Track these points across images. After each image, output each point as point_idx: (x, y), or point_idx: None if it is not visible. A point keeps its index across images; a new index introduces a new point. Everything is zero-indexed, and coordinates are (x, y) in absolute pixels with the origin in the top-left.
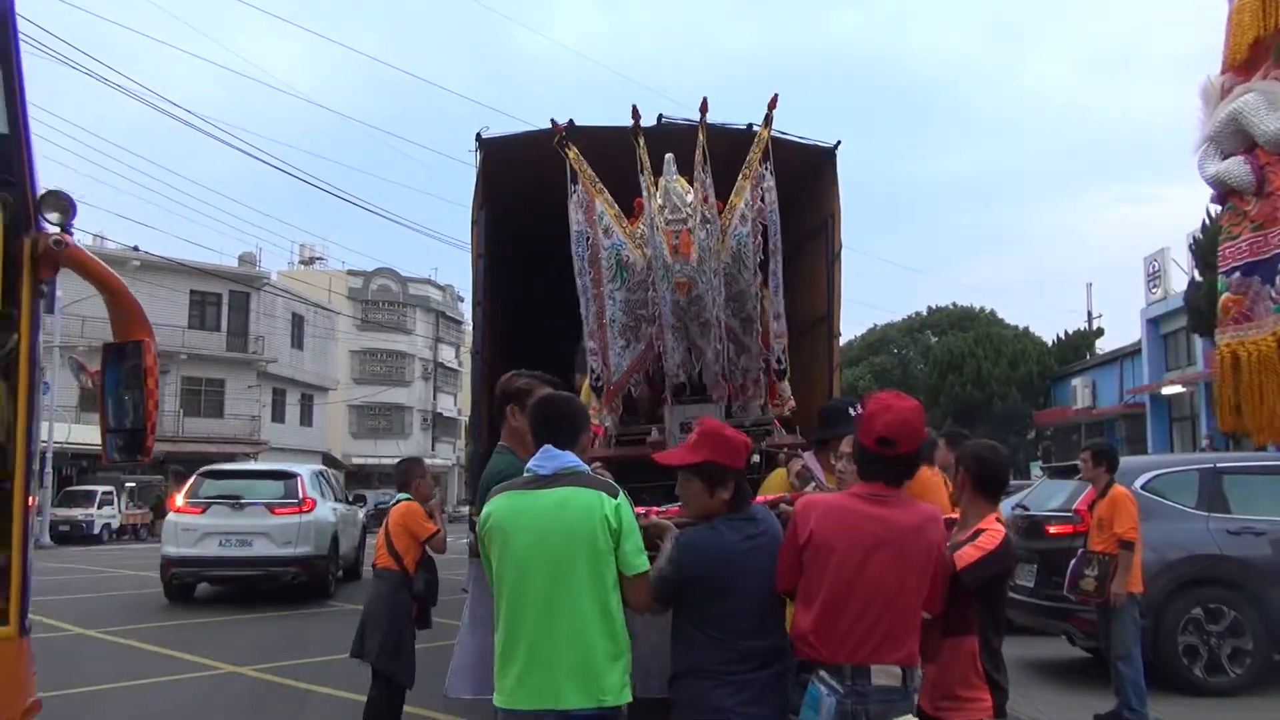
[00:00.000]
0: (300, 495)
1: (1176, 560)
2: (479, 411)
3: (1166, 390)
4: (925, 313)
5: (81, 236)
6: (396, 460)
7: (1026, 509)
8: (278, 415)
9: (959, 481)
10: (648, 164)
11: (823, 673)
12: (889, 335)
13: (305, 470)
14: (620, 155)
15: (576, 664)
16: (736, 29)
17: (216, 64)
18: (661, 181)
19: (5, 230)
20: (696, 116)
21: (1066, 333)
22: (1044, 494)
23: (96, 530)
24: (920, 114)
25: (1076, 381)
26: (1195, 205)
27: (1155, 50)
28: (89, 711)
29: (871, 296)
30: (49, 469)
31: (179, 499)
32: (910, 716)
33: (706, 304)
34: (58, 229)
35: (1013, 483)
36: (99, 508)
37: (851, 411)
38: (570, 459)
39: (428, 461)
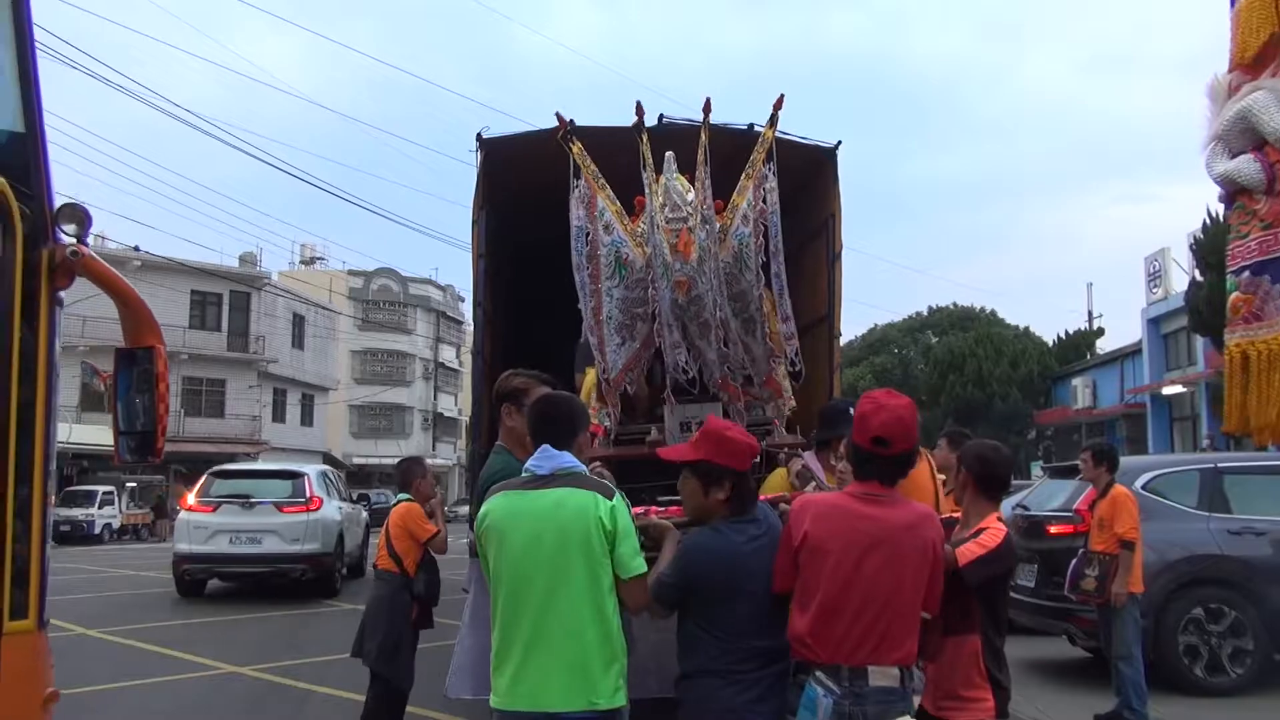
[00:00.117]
0: (308, 494)
1: (1177, 560)
2: (480, 411)
3: (1167, 390)
4: (926, 313)
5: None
6: (397, 460)
7: (1027, 509)
8: (278, 415)
9: (960, 481)
10: (650, 161)
11: (819, 674)
12: (889, 335)
13: (312, 470)
14: (620, 155)
15: (569, 666)
16: (736, 29)
17: (216, 64)
18: (662, 180)
19: (25, 241)
20: (697, 117)
21: (1067, 332)
22: (1044, 494)
23: (97, 530)
24: (920, 113)
25: (1077, 381)
26: (1196, 205)
27: (1155, 50)
28: (89, 711)
29: (872, 296)
30: None
31: (191, 498)
32: (908, 718)
33: (706, 304)
34: (74, 240)
35: (1013, 483)
36: (99, 508)
37: (851, 411)
38: (567, 459)
39: (428, 461)
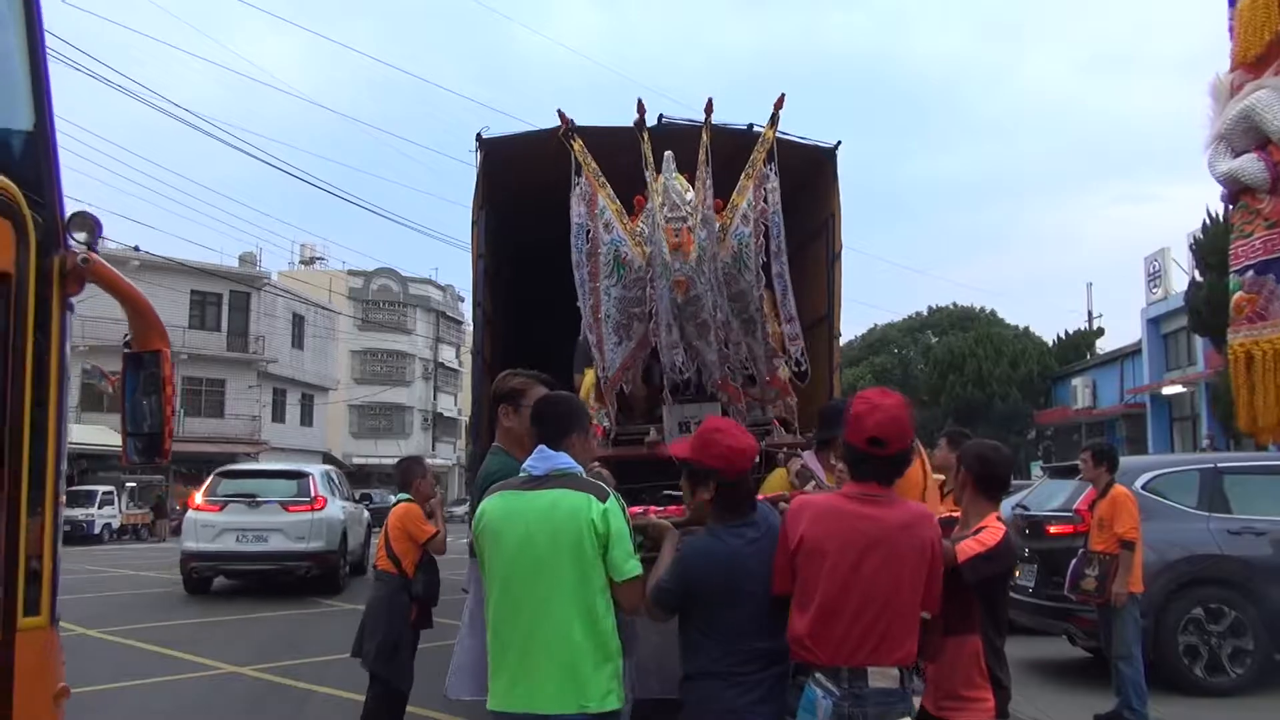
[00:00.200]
0: (313, 493)
1: (1177, 560)
2: (479, 412)
3: (1167, 390)
4: (926, 313)
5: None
6: (396, 460)
7: (1027, 509)
8: (278, 415)
9: (960, 481)
10: (651, 159)
11: (819, 675)
12: (889, 335)
13: (316, 470)
14: (620, 155)
15: (559, 669)
16: (736, 29)
17: (216, 64)
18: (661, 179)
19: (37, 248)
20: (697, 116)
21: (1067, 332)
22: (1044, 494)
23: (97, 530)
24: (920, 113)
25: (1077, 381)
26: (1196, 205)
27: (1155, 50)
28: (89, 711)
29: (872, 296)
30: None
31: (198, 497)
32: (909, 719)
33: (704, 304)
34: (85, 247)
35: (1013, 483)
36: (99, 507)
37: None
38: (564, 460)
39: (428, 461)
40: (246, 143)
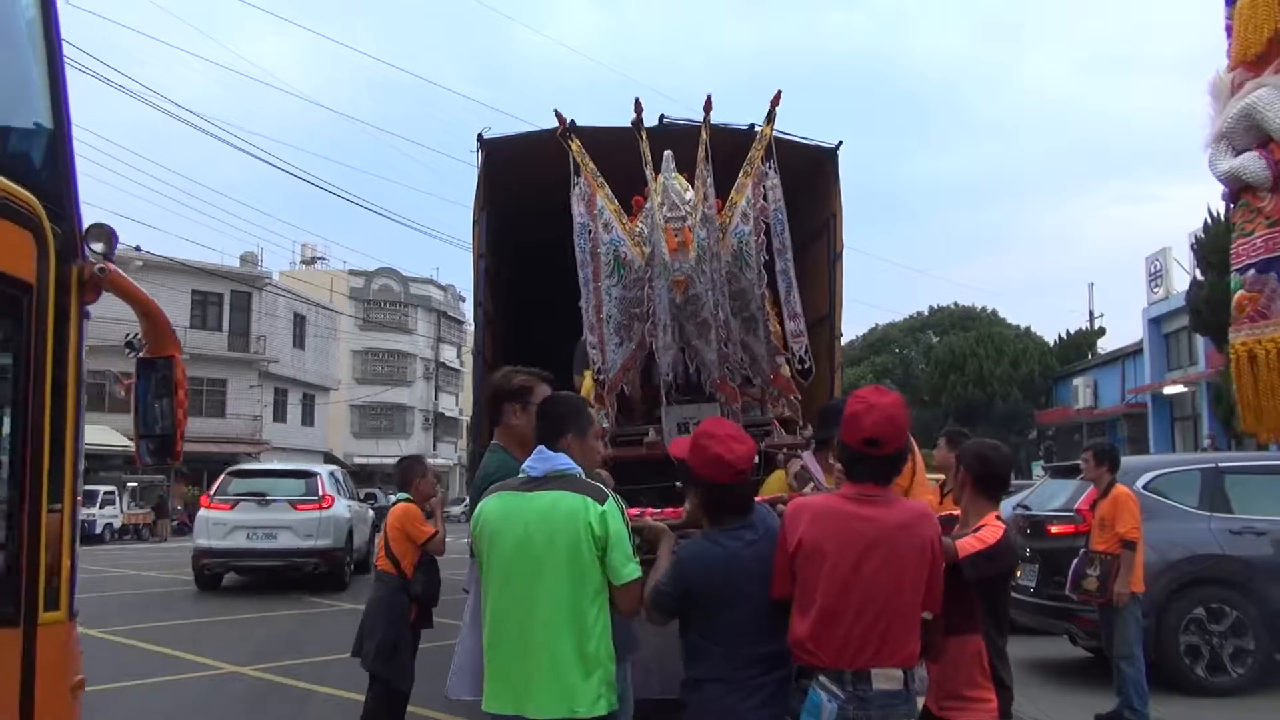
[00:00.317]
0: (320, 492)
1: (1178, 560)
2: (481, 411)
3: (1168, 390)
4: (927, 312)
5: None
6: (397, 460)
7: (1028, 509)
8: (279, 415)
9: (959, 480)
10: (650, 159)
11: (823, 679)
12: (890, 335)
13: (323, 470)
14: (619, 155)
15: (549, 672)
16: (736, 29)
17: (217, 64)
18: (660, 178)
19: (57, 259)
20: (697, 116)
21: (1068, 332)
22: (1046, 494)
23: (98, 530)
24: (920, 113)
25: (1078, 381)
26: (1196, 205)
27: (1155, 50)
28: (90, 711)
29: (873, 296)
30: None
31: (211, 495)
32: None
33: (704, 303)
34: (101, 257)
35: (1015, 483)
36: (100, 507)
37: None
38: (562, 461)
39: (429, 461)
40: (248, 143)
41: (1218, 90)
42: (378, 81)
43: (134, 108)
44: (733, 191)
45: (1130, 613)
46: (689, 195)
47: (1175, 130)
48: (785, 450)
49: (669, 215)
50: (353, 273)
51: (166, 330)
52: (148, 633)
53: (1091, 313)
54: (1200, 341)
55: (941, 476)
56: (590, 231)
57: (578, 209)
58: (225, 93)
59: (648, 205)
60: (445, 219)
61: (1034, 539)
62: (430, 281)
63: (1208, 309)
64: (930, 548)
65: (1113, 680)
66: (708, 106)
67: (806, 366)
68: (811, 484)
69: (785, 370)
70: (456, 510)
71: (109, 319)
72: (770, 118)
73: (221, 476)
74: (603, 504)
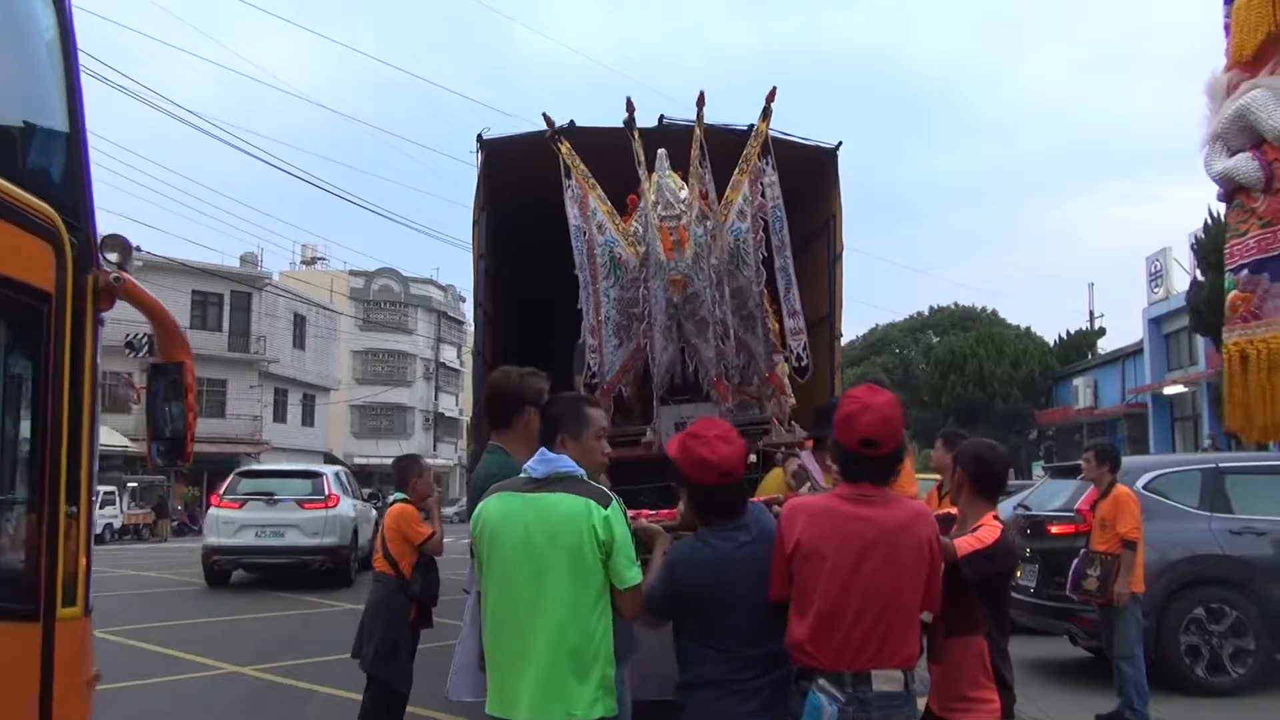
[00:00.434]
0: (326, 492)
1: (1179, 560)
2: (481, 411)
3: (1168, 390)
4: (927, 312)
5: None
6: (394, 460)
7: (1028, 509)
8: (279, 415)
9: (957, 481)
10: (643, 158)
11: (822, 681)
12: (891, 335)
13: (329, 470)
14: (614, 155)
15: (548, 674)
16: (736, 29)
17: (217, 64)
18: (654, 177)
19: (74, 268)
20: (694, 115)
21: (1068, 332)
22: (1046, 494)
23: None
24: (920, 113)
25: (1078, 381)
26: (1197, 205)
27: (1155, 50)
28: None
29: (873, 296)
30: None
31: (220, 494)
32: None
33: (703, 301)
34: (116, 266)
35: (1015, 483)
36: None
37: None
38: (565, 463)
39: (429, 461)
40: (248, 143)
41: (1214, 91)
42: (378, 82)
43: (134, 108)
44: (729, 189)
45: (1130, 613)
46: (684, 193)
47: (1175, 130)
48: (784, 449)
49: (664, 214)
50: (353, 273)
51: (177, 336)
52: (148, 633)
53: (1092, 313)
54: (1200, 342)
55: (939, 477)
56: (585, 233)
57: (571, 212)
58: (225, 93)
59: (642, 204)
60: (445, 219)
61: (1034, 539)
62: (430, 282)
63: (1208, 309)
64: (928, 547)
65: (1113, 680)
66: (700, 102)
67: (804, 364)
68: (809, 483)
69: (781, 369)
70: (451, 511)
71: (109, 318)
72: (766, 114)
73: (230, 476)
74: (607, 507)
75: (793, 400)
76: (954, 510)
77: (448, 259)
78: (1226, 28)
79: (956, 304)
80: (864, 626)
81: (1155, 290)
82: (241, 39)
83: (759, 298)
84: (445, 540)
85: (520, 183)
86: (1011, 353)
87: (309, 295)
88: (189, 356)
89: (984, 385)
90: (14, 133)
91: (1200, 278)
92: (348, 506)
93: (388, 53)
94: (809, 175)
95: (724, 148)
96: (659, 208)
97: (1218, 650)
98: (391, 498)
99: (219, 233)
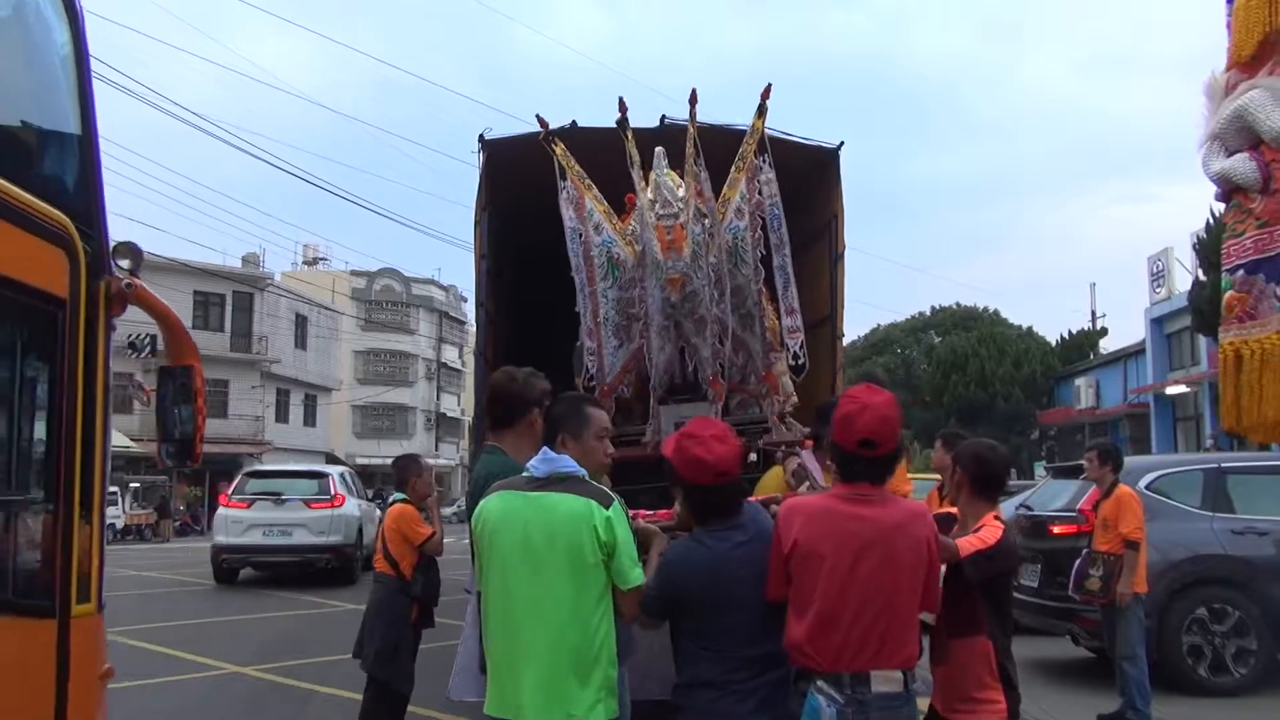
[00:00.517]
0: (332, 492)
1: (1181, 560)
2: (481, 412)
3: (1171, 390)
4: (929, 312)
5: None
6: (393, 460)
7: (1030, 509)
8: (281, 415)
9: (956, 482)
10: (637, 158)
11: (821, 682)
12: (892, 335)
13: (335, 471)
14: (612, 155)
15: (548, 676)
16: (736, 29)
17: (218, 64)
18: (652, 176)
19: (87, 274)
20: (700, 117)
21: (1070, 332)
22: (1048, 494)
23: None
24: (920, 113)
25: (1080, 381)
26: (1197, 205)
27: (1155, 50)
28: None
29: (874, 297)
30: None
31: (229, 494)
32: None
33: (701, 300)
34: (127, 273)
35: (1017, 483)
36: None
37: None
38: (566, 463)
39: (431, 462)
40: (249, 143)
41: (1213, 91)
42: (379, 82)
43: (135, 108)
44: (726, 187)
45: (1133, 613)
46: (681, 192)
47: (1175, 130)
48: (784, 448)
49: (661, 213)
50: (355, 273)
51: (186, 341)
52: (150, 633)
53: (1094, 313)
54: (1203, 342)
55: (938, 478)
56: (581, 235)
57: (566, 214)
58: (226, 93)
59: (638, 204)
60: (447, 219)
61: (1036, 539)
62: (432, 282)
63: (1210, 309)
64: (927, 547)
65: (1115, 680)
66: (693, 100)
67: (801, 363)
68: (807, 483)
69: (778, 368)
70: (449, 511)
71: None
72: (761, 111)
73: (239, 476)
74: (608, 508)
75: (795, 399)
76: (953, 510)
77: (449, 259)
78: (1229, 27)
79: (958, 304)
80: (862, 627)
81: (1157, 290)
82: (242, 39)
83: (757, 296)
84: (446, 540)
85: (522, 183)
86: (1013, 353)
87: (311, 295)
88: (198, 360)
89: (986, 385)
90: (30, 143)
91: (1202, 277)
92: (353, 506)
93: (388, 53)
94: (811, 175)
95: (724, 147)
96: (657, 206)
97: (1220, 650)
98: (391, 498)
99: (221, 233)
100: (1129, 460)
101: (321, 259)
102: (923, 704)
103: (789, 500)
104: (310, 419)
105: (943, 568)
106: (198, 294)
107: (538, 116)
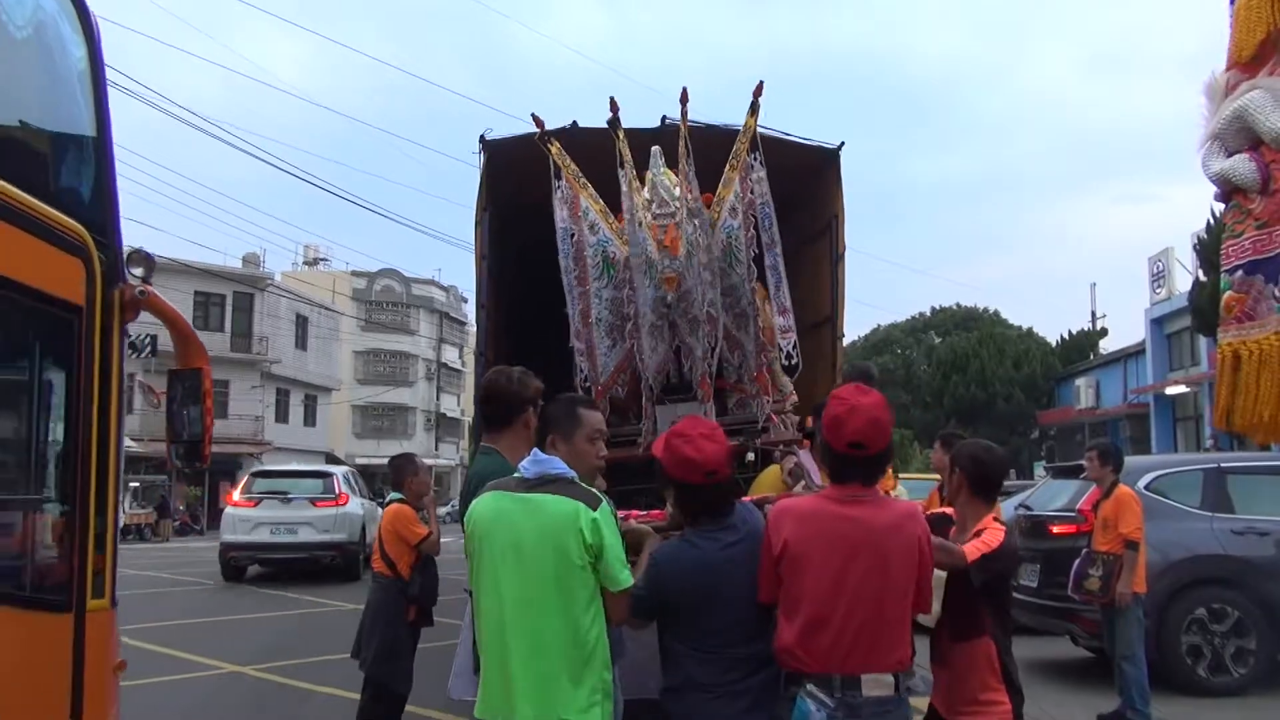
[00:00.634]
0: (337, 491)
1: (1180, 560)
2: (479, 412)
3: (1170, 390)
4: (929, 313)
5: None
6: (389, 459)
7: (1030, 509)
8: (281, 416)
9: (955, 483)
10: (628, 158)
11: (810, 686)
12: (893, 336)
13: (339, 471)
14: (605, 154)
15: (539, 678)
16: (736, 29)
17: (219, 65)
18: (649, 175)
19: (103, 282)
20: (695, 116)
21: (1070, 333)
22: (1047, 494)
23: None
24: (920, 113)
25: (1080, 381)
26: (1198, 205)
27: (1155, 50)
28: None
29: (875, 297)
30: None
31: (236, 494)
32: None
33: (695, 299)
34: (141, 280)
35: (1017, 483)
36: None
37: None
38: (556, 464)
39: (430, 462)
40: (250, 144)
41: (1213, 91)
42: (379, 82)
43: (136, 109)
44: (720, 186)
45: (1132, 613)
46: (678, 191)
47: (1175, 130)
48: (781, 447)
49: (658, 212)
50: (355, 274)
51: (195, 345)
52: (150, 633)
53: (1094, 313)
54: (1203, 342)
55: (937, 478)
56: (573, 235)
57: (560, 214)
58: (227, 94)
59: (628, 204)
60: (447, 220)
61: (1036, 539)
62: (432, 282)
63: (1211, 309)
64: (919, 546)
65: (1114, 680)
66: (684, 98)
67: (794, 363)
68: (802, 483)
69: (774, 367)
70: (443, 511)
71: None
72: (754, 109)
73: (245, 477)
74: (595, 510)
75: (794, 398)
76: (949, 511)
77: (449, 260)
78: (1231, 28)
79: (958, 304)
80: (853, 630)
81: (1157, 290)
82: (242, 39)
83: (751, 295)
84: (443, 539)
85: (522, 184)
86: (1013, 353)
87: (311, 296)
88: (207, 363)
89: (986, 385)
90: (49, 157)
91: (1203, 278)
92: (356, 505)
93: (388, 53)
94: (811, 176)
95: (719, 145)
96: (653, 205)
97: (1219, 650)
98: (388, 498)
99: (221, 234)
100: (1129, 460)
101: (322, 259)
102: (921, 703)
103: (779, 502)
104: (310, 419)
105: (944, 574)
106: (198, 294)
107: (533, 115)
